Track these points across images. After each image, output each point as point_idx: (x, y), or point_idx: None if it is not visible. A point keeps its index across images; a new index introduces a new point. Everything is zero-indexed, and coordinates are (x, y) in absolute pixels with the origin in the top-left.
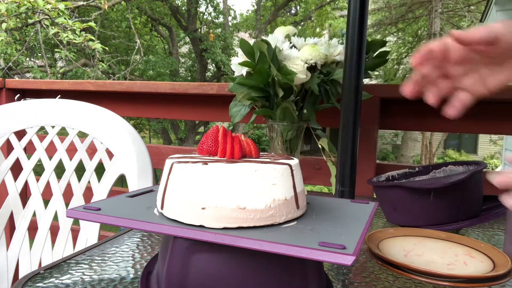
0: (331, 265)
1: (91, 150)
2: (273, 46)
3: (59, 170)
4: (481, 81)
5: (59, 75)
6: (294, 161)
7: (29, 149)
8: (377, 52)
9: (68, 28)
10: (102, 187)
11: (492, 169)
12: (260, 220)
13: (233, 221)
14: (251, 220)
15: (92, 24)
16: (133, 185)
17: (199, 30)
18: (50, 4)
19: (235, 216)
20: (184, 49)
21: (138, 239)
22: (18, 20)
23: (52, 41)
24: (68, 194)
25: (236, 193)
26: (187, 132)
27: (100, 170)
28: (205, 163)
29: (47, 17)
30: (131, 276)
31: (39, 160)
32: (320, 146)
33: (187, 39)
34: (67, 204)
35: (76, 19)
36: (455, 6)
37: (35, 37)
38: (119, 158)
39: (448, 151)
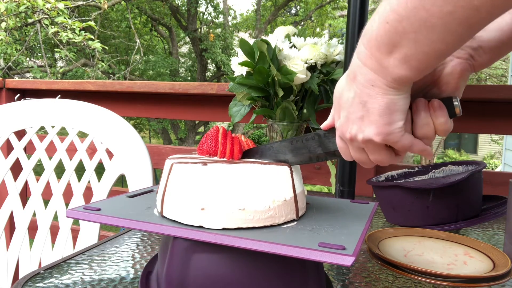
0: (331, 265)
1: (91, 150)
2: (273, 46)
3: (59, 170)
4: None
5: (59, 75)
6: None
7: (29, 149)
8: None
9: (68, 28)
10: (102, 187)
11: (492, 169)
12: (259, 221)
13: (232, 222)
14: (250, 221)
15: (91, 23)
16: (133, 185)
17: (199, 30)
18: (49, 3)
19: (234, 217)
20: (184, 49)
21: (138, 239)
22: (17, 19)
23: (52, 41)
24: (68, 194)
25: (235, 194)
26: (187, 132)
27: (100, 170)
28: (205, 163)
29: (46, 16)
30: (131, 276)
31: (39, 160)
32: None
33: (187, 39)
34: (67, 204)
35: (76, 19)
36: None
37: (35, 37)
38: (119, 158)
39: (448, 151)
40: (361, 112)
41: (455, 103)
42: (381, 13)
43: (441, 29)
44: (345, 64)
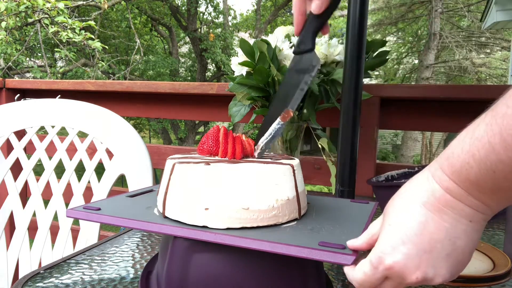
0: (331, 265)
1: (91, 150)
2: (273, 46)
3: (59, 170)
4: None
5: (59, 75)
6: (296, 161)
7: (29, 149)
8: (377, 52)
9: (68, 27)
10: (102, 187)
11: None
12: (263, 220)
13: (236, 222)
14: (254, 221)
15: (91, 23)
16: (133, 185)
17: (199, 30)
18: (49, 3)
19: (239, 216)
20: (184, 49)
21: (138, 239)
22: (17, 19)
23: (52, 41)
24: (68, 194)
25: (239, 193)
26: (187, 132)
27: (100, 170)
28: (208, 163)
29: (46, 16)
30: (131, 276)
31: (39, 160)
32: (320, 146)
33: (187, 39)
34: (67, 204)
35: (76, 19)
36: (455, 6)
37: (35, 37)
38: (119, 158)
39: None
40: (447, 250)
41: None
42: (482, 159)
43: None
44: (345, 64)
